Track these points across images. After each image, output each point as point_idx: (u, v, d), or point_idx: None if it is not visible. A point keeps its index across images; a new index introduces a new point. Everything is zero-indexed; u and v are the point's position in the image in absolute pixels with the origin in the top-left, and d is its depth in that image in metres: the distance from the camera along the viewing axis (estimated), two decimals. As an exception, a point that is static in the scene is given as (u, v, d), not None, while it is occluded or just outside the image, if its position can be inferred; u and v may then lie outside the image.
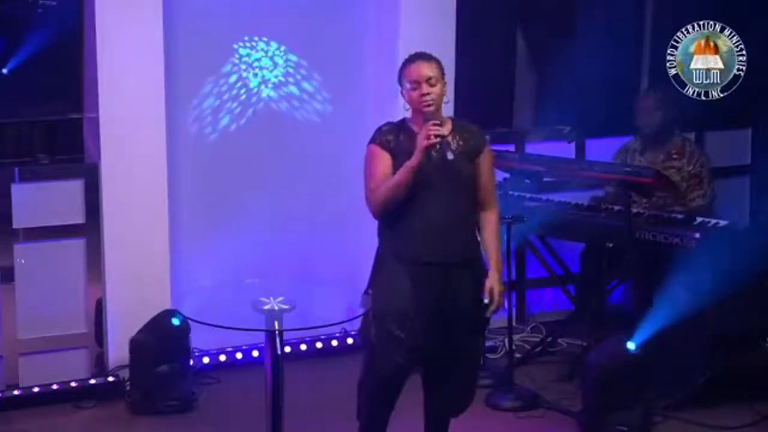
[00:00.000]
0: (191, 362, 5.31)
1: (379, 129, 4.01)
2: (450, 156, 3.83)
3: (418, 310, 3.87)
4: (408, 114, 3.99)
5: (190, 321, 3.66)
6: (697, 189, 5.52)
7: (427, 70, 3.94)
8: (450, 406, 4.17)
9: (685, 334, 5.07)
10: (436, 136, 3.82)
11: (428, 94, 3.89)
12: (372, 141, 3.98)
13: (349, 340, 5.69)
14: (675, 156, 5.58)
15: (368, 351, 4.03)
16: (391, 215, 3.94)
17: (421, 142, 3.82)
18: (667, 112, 5.57)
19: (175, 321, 5.09)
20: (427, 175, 3.88)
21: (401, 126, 3.99)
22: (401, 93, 4.00)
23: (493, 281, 3.95)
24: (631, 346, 4.80)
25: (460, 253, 3.94)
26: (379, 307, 3.92)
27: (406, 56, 4.04)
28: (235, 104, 5.63)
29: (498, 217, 4.11)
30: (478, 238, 4.05)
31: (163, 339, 5.08)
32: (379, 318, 3.91)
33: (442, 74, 3.99)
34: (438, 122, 3.85)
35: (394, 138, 3.94)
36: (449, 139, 3.95)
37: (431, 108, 3.89)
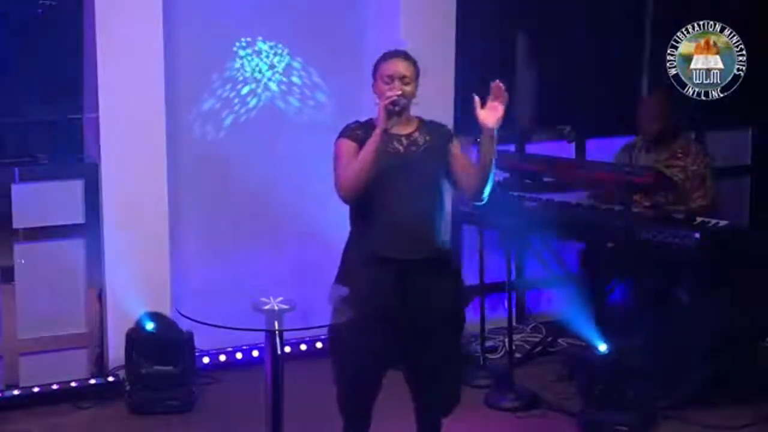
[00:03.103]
0: (189, 362, 5.34)
1: (347, 126, 4.07)
2: (403, 101, 3.88)
3: (379, 306, 3.87)
4: (376, 111, 3.99)
5: (191, 321, 3.66)
6: (700, 188, 5.52)
7: (402, 67, 3.97)
8: (435, 408, 4.15)
9: (684, 334, 5.08)
10: (395, 95, 3.87)
11: (397, 88, 3.92)
12: (340, 136, 4.04)
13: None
14: (680, 155, 5.58)
15: (336, 345, 4.09)
16: (357, 211, 3.99)
17: (382, 104, 3.87)
18: (671, 115, 5.56)
19: (149, 326, 5.10)
20: (394, 172, 3.91)
21: (369, 123, 4.03)
22: (372, 87, 4.04)
23: None
24: (602, 347, 4.83)
25: (425, 251, 3.95)
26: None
27: (385, 52, 4.06)
28: (235, 104, 5.63)
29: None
30: (447, 237, 4.06)
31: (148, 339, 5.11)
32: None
33: (417, 75, 4.01)
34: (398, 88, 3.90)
35: (363, 133, 3.98)
36: (416, 136, 3.99)
37: (395, 99, 3.89)
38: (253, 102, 5.67)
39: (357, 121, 4.09)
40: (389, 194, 3.91)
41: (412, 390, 4.13)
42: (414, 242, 3.93)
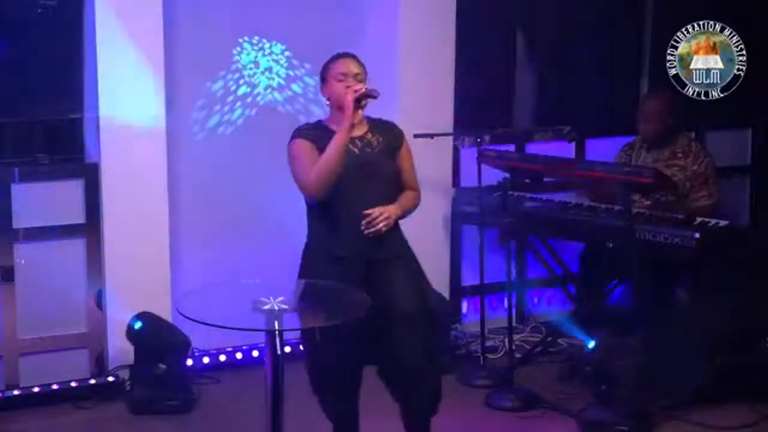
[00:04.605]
0: (191, 362, 5.35)
1: (298, 128, 4.14)
2: (376, 94, 3.96)
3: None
4: (325, 113, 4.09)
5: (191, 321, 3.66)
6: (702, 189, 5.52)
7: (354, 66, 4.07)
8: (418, 408, 4.14)
9: (684, 334, 5.08)
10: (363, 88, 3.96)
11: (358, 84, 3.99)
12: (295, 137, 4.09)
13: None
14: (680, 155, 5.57)
15: (308, 348, 4.14)
16: (318, 212, 4.04)
17: (350, 97, 3.92)
18: (668, 117, 5.55)
19: (137, 325, 5.10)
20: (350, 173, 3.95)
21: (318, 125, 4.12)
22: (321, 90, 4.12)
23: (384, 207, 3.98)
24: (590, 344, 4.84)
25: (383, 250, 4.00)
26: None
27: (335, 53, 4.17)
28: (235, 104, 5.63)
29: (417, 198, 4.17)
30: (404, 235, 4.12)
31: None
32: None
33: (366, 76, 4.09)
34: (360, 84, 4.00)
35: (315, 133, 4.06)
36: (369, 137, 4.07)
37: (364, 92, 3.95)
38: (253, 102, 5.67)
39: (307, 123, 4.20)
40: (348, 195, 3.97)
41: (391, 393, 4.14)
42: (368, 241, 3.97)
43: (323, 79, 4.11)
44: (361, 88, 3.96)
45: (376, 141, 4.08)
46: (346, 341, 3.94)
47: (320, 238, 4.08)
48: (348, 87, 3.98)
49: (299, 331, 4.22)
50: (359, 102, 3.95)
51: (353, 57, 4.12)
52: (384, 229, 3.94)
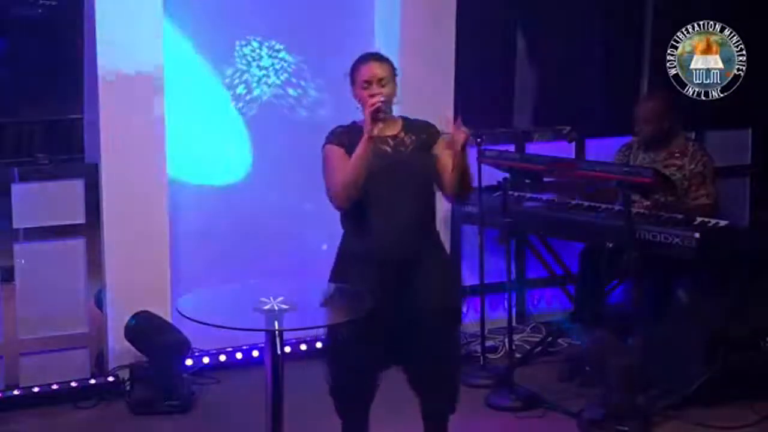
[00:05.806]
0: (191, 362, 5.35)
1: (332, 131, 4.06)
2: (383, 115, 3.89)
3: (376, 305, 3.85)
4: (359, 114, 4.02)
5: (191, 321, 3.66)
6: (701, 188, 5.52)
7: (378, 70, 3.98)
8: (438, 407, 4.15)
9: (684, 334, 5.08)
10: (379, 102, 3.88)
11: (378, 94, 3.92)
12: (327, 142, 4.03)
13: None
14: (677, 155, 5.58)
15: (333, 344, 4.10)
16: (350, 212, 3.99)
17: (367, 111, 3.87)
18: (664, 118, 5.55)
19: (132, 323, 5.10)
20: (384, 174, 3.92)
21: (352, 127, 4.05)
22: (353, 91, 4.04)
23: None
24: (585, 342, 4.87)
25: (417, 251, 3.98)
26: None
27: (359, 56, 4.07)
28: (235, 104, 5.63)
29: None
30: (438, 231, 4.11)
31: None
32: None
33: (394, 75, 4.02)
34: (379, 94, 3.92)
35: (348, 137, 3.99)
36: (402, 136, 4.02)
37: (379, 106, 3.90)
38: (254, 102, 5.67)
39: (340, 126, 4.10)
40: (381, 195, 3.93)
41: (416, 392, 4.13)
42: (408, 242, 3.95)
43: (352, 81, 4.03)
44: (376, 101, 3.87)
45: (409, 140, 4.02)
46: (370, 341, 3.92)
47: (352, 237, 4.05)
48: (371, 95, 3.91)
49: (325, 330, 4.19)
50: (377, 114, 3.89)
51: (377, 59, 4.02)
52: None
